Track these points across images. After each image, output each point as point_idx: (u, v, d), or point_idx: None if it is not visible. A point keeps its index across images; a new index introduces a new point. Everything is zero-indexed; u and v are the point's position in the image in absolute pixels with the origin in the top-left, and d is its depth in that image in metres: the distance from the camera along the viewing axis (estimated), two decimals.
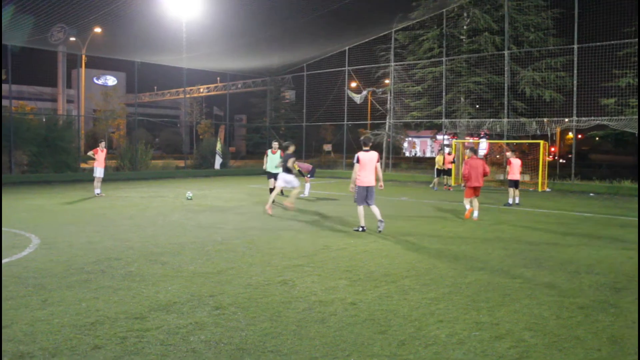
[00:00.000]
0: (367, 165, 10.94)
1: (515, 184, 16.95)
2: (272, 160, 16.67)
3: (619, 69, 23.52)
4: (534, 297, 6.39)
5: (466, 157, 14.25)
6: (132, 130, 37.47)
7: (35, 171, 24.61)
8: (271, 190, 15.77)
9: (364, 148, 11.05)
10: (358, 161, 10.94)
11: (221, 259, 8.22)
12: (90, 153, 18.10)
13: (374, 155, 10.98)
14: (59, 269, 7.33)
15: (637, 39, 23.17)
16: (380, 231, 10.89)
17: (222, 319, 5.40)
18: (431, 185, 23.60)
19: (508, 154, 18.25)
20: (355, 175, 11.05)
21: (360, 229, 11.08)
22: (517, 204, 16.90)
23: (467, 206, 13.71)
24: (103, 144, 18.45)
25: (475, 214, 13.46)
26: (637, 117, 22.75)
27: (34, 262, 7.71)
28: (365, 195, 11.02)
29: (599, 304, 6.18)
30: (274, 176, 15.66)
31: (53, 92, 53.88)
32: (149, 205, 15.38)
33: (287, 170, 13.96)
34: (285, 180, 13.88)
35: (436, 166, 23.48)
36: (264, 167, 17.21)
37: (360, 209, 11.15)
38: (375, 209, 11.08)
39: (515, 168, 17.10)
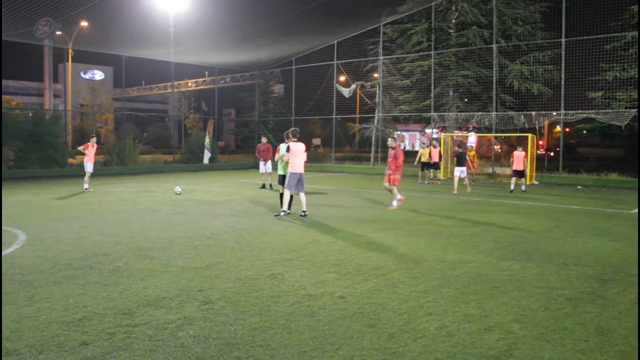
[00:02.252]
0: (298, 154, 12.05)
1: (519, 173, 18.94)
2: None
3: (606, 62, 23.66)
4: (523, 289, 6.43)
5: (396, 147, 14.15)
6: (120, 125, 37.22)
7: (22, 167, 24.37)
8: (286, 197, 12.53)
9: (293, 139, 12.17)
10: (288, 150, 12.07)
11: (210, 253, 8.19)
12: (80, 148, 17.96)
13: (302, 145, 12.18)
14: (46, 265, 7.27)
15: (623, 33, 23.32)
16: (301, 215, 12.10)
17: (211, 313, 5.38)
18: (421, 181, 23.47)
19: (517, 148, 19.95)
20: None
21: (282, 213, 12.15)
22: (523, 190, 19.08)
23: (397, 199, 14.06)
24: (94, 139, 18.26)
25: (397, 199, 14.03)
26: (624, 110, 22.91)
27: (21, 259, 7.65)
28: (296, 182, 12.11)
29: (586, 295, 6.23)
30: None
31: (39, 86, 53.25)
32: (138, 200, 15.29)
33: (463, 164, 18.69)
34: (462, 171, 18.62)
35: (421, 159, 23.28)
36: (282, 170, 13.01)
37: (287, 194, 12.19)
38: (303, 197, 12.24)
39: (518, 160, 18.90)
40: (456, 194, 18.20)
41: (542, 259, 8.15)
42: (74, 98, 46.53)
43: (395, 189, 13.89)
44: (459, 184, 18.90)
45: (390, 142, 14.03)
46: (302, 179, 12.19)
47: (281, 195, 12.96)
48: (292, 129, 12.48)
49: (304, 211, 12.18)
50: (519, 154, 18.97)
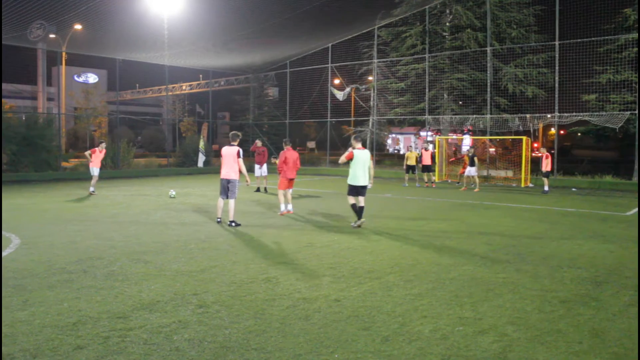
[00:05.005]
0: (226, 159, 11.37)
1: (546, 174, 20.56)
2: (362, 162, 11.28)
3: (600, 65, 23.79)
4: (517, 292, 6.44)
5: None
6: (114, 128, 37.14)
7: (15, 170, 24.27)
8: (360, 209, 11.31)
9: (232, 143, 11.55)
10: (220, 154, 11.57)
11: (205, 257, 8.18)
12: (87, 153, 17.83)
13: (234, 150, 11.35)
14: (40, 269, 7.24)
15: (616, 36, 23.45)
16: (230, 225, 11.27)
17: (205, 317, 5.37)
18: (407, 184, 23.40)
19: (542, 149, 21.52)
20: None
21: (218, 220, 11.66)
22: (545, 191, 20.33)
23: (283, 207, 13.16)
24: (103, 144, 18.19)
25: (290, 207, 13.32)
26: (617, 112, 23.03)
27: (15, 263, 7.61)
28: (225, 187, 11.42)
29: (580, 297, 6.25)
30: (360, 191, 11.37)
31: (33, 90, 53.14)
32: (132, 203, 15.26)
33: (474, 164, 21.23)
34: (471, 171, 21.21)
35: (407, 162, 23.31)
36: (349, 180, 11.38)
37: (220, 201, 11.68)
38: (231, 205, 11.35)
39: (543, 161, 20.65)
40: (477, 190, 20.94)
41: (537, 261, 8.17)
42: (67, 101, 46.42)
43: (279, 193, 13.26)
44: (469, 182, 21.67)
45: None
46: (232, 184, 11.35)
47: (352, 205, 11.32)
48: (232, 132, 11.80)
49: (231, 221, 11.26)
50: (543, 155, 20.71)
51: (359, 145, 11.37)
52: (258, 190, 19.11)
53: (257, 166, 19.23)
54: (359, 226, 11.18)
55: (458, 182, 24.73)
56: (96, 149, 17.84)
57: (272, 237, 10.05)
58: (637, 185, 21.39)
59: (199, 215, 12.96)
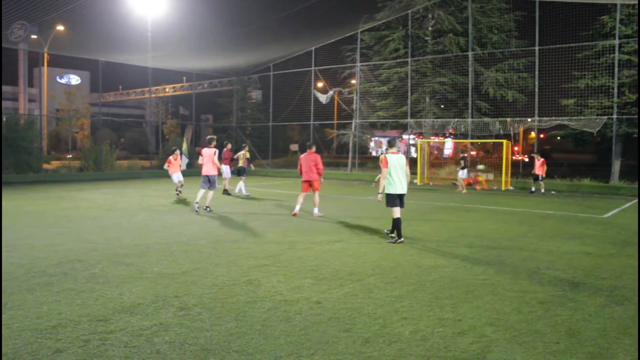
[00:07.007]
0: (207, 159, 14.07)
1: (536, 177, 21.76)
2: (399, 167, 10.17)
3: (578, 70, 24.16)
4: (496, 293, 6.53)
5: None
6: (97, 130, 36.84)
7: None
8: (199, 194, 14.04)
9: (209, 146, 14.26)
10: (201, 154, 14.22)
11: (187, 259, 8.17)
12: (165, 167, 17.80)
13: (212, 151, 14.14)
14: (19, 272, 7.18)
15: (594, 42, 23.84)
16: (205, 209, 13.91)
17: (187, 319, 5.38)
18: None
19: (533, 154, 22.93)
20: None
21: (200, 207, 13.86)
22: (542, 192, 21.52)
23: (297, 207, 13.54)
24: (178, 151, 18.11)
25: (315, 210, 13.58)
26: (595, 117, 23.39)
27: None
28: (207, 181, 13.95)
29: (558, 298, 6.36)
30: (400, 201, 10.26)
31: (14, 90, 52.49)
32: (114, 206, 15.15)
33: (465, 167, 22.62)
34: (463, 173, 22.53)
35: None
36: (383, 189, 10.21)
37: (201, 192, 13.96)
38: (210, 194, 14.05)
39: (536, 165, 21.72)
40: (465, 192, 21.75)
41: (516, 263, 8.28)
42: (49, 103, 45.94)
43: (300, 196, 13.89)
44: (462, 184, 22.41)
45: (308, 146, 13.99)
46: (212, 179, 13.99)
47: (396, 219, 10.11)
48: (209, 136, 14.58)
49: (196, 203, 13.80)
50: (537, 160, 21.73)
51: (392, 149, 10.38)
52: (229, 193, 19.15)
53: (226, 168, 19.17)
54: (396, 242, 9.93)
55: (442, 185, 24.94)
56: (170, 157, 17.76)
57: (254, 239, 10.06)
58: (637, 184, 21.79)
59: (181, 217, 12.92)
